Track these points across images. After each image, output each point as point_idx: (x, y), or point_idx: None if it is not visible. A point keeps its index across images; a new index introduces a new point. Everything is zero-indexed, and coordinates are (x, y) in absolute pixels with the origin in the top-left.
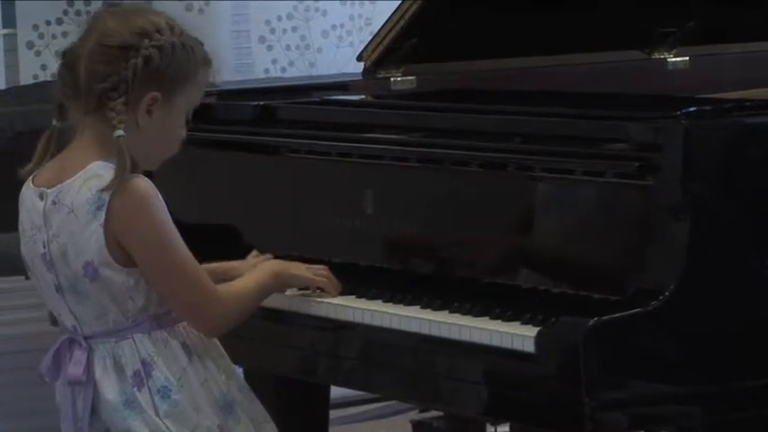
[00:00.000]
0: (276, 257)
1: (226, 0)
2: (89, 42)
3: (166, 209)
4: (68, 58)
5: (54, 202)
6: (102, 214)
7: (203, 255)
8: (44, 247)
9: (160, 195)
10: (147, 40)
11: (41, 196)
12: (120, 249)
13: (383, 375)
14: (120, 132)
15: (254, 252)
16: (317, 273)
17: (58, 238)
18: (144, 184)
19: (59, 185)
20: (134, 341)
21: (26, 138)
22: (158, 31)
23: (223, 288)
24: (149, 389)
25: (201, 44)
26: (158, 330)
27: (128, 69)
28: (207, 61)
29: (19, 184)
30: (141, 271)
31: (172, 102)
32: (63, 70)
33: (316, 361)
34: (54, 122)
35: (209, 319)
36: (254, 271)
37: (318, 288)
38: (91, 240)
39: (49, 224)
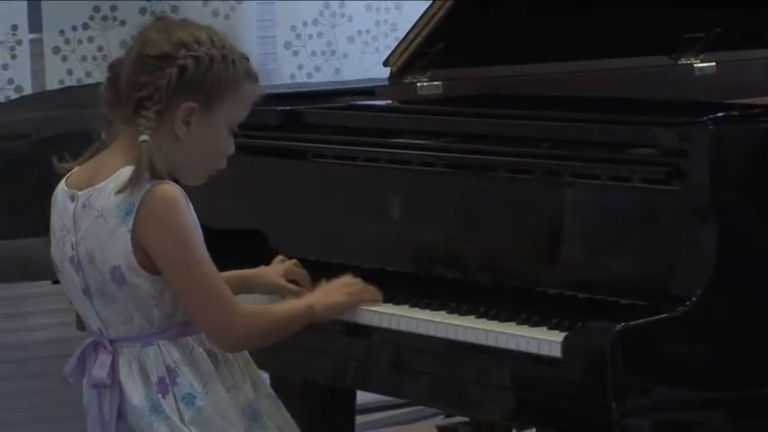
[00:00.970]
0: (301, 262)
1: (252, 4)
2: (132, 53)
3: (195, 217)
4: (113, 70)
5: (84, 205)
6: (131, 220)
7: (230, 259)
8: (72, 249)
9: (187, 202)
10: (184, 51)
11: (72, 198)
12: (147, 256)
13: (410, 380)
14: (144, 137)
15: (280, 257)
16: (352, 292)
17: (86, 241)
18: (174, 190)
19: (90, 188)
20: (159, 347)
21: (52, 143)
22: (198, 42)
23: (249, 307)
24: (174, 396)
25: (247, 59)
26: (184, 337)
27: (163, 78)
28: (251, 75)
29: (45, 188)
30: (163, 277)
31: (210, 113)
32: (108, 82)
33: (343, 366)
34: (102, 135)
35: (224, 334)
36: (292, 300)
37: None
38: (119, 245)
39: (78, 226)
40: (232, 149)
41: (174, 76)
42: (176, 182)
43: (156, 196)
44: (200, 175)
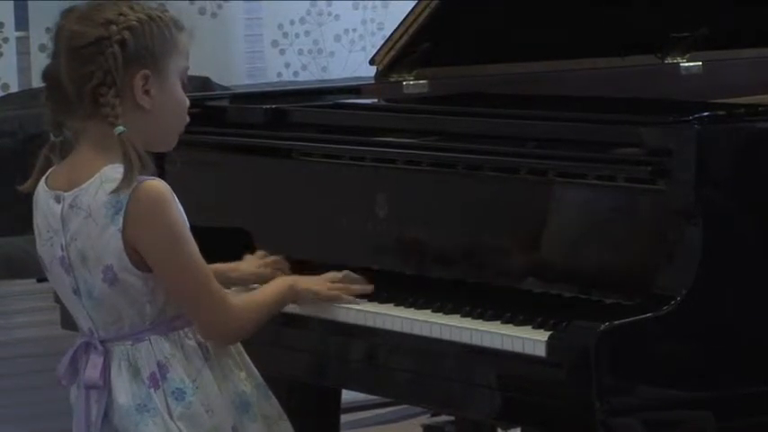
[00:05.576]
0: (286, 258)
1: (239, 2)
2: (62, 53)
3: (183, 213)
4: (50, 78)
5: (71, 206)
6: (120, 219)
7: (215, 257)
8: (62, 251)
9: (174, 197)
10: (114, 26)
11: (58, 199)
12: (138, 253)
13: (394, 379)
14: (120, 129)
15: (260, 252)
16: (332, 285)
17: (76, 241)
18: (161, 186)
19: (76, 189)
20: (151, 343)
21: (38, 140)
22: (121, 14)
23: (237, 299)
24: (164, 390)
25: (167, 10)
26: (175, 331)
27: (107, 59)
28: (179, 25)
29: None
30: (155, 274)
31: (162, 74)
32: (49, 91)
33: (327, 365)
34: (52, 138)
35: (218, 328)
36: (271, 284)
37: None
38: (110, 245)
39: (67, 228)
40: (188, 102)
41: (118, 53)
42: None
43: (143, 194)
44: (172, 139)
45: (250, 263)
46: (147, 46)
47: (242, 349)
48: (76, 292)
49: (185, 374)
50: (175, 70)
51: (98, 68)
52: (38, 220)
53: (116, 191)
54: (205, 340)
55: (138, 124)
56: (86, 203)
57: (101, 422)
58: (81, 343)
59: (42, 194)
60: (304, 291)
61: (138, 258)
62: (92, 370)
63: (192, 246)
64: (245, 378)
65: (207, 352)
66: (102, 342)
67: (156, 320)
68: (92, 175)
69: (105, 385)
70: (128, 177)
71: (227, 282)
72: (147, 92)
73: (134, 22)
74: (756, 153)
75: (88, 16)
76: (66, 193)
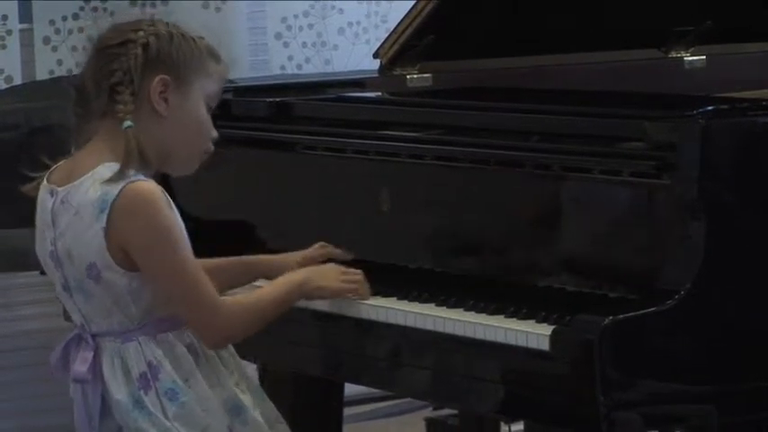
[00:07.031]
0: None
1: None
2: (91, 55)
3: (173, 213)
4: (78, 83)
5: (62, 202)
6: (104, 217)
7: (217, 252)
8: (52, 245)
9: (166, 199)
10: (141, 32)
11: (52, 193)
12: (123, 253)
13: (397, 373)
14: (128, 123)
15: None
16: (347, 279)
17: (63, 237)
18: (149, 186)
19: (69, 185)
20: (140, 343)
21: (42, 133)
22: (152, 25)
23: (231, 300)
24: (157, 391)
25: (202, 37)
26: (164, 333)
27: (129, 59)
28: (213, 53)
29: (34, 179)
30: (142, 274)
31: (184, 86)
32: (75, 94)
33: (331, 358)
34: (73, 150)
35: (208, 331)
36: (280, 279)
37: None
38: (93, 242)
39: (57, 223)
40: (215, 132)
41: (139, 55)
42: (165, 180)
43: (131, 194)
44: (190, 160)
45: (293, 262)
46: (171, 54)
47: (234, 352)
48: (66, 287)
49: (177, 375)
50: (200, 90)
51: (119, 68)
52: (36, 215)
53: (107, 182)
54: (199, 342)
55: (152, 130)
56: (76, 200)
57: (101, 415)
58: (74, 335)
59: (42, 189)
60: (315, 289)
61: (121, 257)
62: (80, 365)
63: (181, 248)
64: (239, 382)
65: (197, 356)
66: (93, 336)
67: (142, 321)
68: (87, 171)
69: (96, 379)
70: (122, 170)
71: (265, 273)
72: (165, 99)
73: (162, 32)
74: (761, 148)
75: (123, 26)
76: (59, 189)
